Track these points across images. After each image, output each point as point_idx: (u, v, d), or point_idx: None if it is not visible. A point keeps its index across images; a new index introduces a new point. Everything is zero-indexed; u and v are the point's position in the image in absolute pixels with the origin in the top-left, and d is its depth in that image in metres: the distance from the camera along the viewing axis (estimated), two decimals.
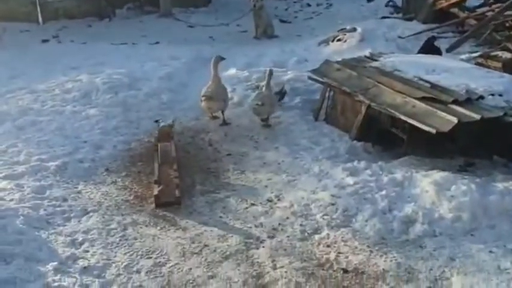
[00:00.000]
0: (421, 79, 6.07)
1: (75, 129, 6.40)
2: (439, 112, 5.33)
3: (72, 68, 8.78)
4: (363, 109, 6.17)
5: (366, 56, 7.41)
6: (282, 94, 7.34)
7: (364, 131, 6.22)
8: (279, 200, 4.91)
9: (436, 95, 5.64)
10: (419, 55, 7.47)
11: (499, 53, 9.17)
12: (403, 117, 5.56)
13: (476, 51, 10.02)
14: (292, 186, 5.12)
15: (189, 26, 13.33)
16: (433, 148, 5.73)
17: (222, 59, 7.16)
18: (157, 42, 11.41)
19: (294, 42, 11.33)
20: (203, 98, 6.77)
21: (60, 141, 6.06)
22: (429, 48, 8.55)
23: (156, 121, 6.39)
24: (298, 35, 12.51)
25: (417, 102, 5.63)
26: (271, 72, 6.93)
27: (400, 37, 11.03)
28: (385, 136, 6.15)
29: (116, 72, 8.12)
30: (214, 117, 6.92)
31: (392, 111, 5.71)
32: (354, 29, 10.70)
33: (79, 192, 5.07)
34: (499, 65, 8.57)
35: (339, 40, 10.46)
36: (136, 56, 9.72)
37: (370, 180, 5.06)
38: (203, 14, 14.32)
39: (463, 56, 9.44)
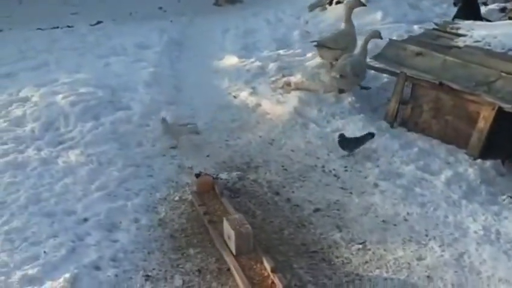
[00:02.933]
0: None
1: (59, 197, 3.81)
2: None
3: (5, 75, 6.03)
4: (491, 114, 4.25)
5: (435, 29, 5.49)
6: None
7: (489, 145, 4.34)
8: None
9: None
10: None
11: None
12: None
13: (486, 3, 8.61)
14: (475, 277, 3.12)
15: None
16: None
17: (362, 4, 5.77)
18: (99, 22, 8.84)
19: (268, 8, 9.35)
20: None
21: (45, 227, 3.49)
22: (471, 5, 6.82)
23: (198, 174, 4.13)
24: None
25: None
26: (373, 36, 5.36)
27: None
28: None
29: (78, 80, 5.51)
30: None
31: None
32: None
33: None
34: None
35: (338, 2, 8.39)
36: (88, 47, 7.10)
37: None
38: None
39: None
